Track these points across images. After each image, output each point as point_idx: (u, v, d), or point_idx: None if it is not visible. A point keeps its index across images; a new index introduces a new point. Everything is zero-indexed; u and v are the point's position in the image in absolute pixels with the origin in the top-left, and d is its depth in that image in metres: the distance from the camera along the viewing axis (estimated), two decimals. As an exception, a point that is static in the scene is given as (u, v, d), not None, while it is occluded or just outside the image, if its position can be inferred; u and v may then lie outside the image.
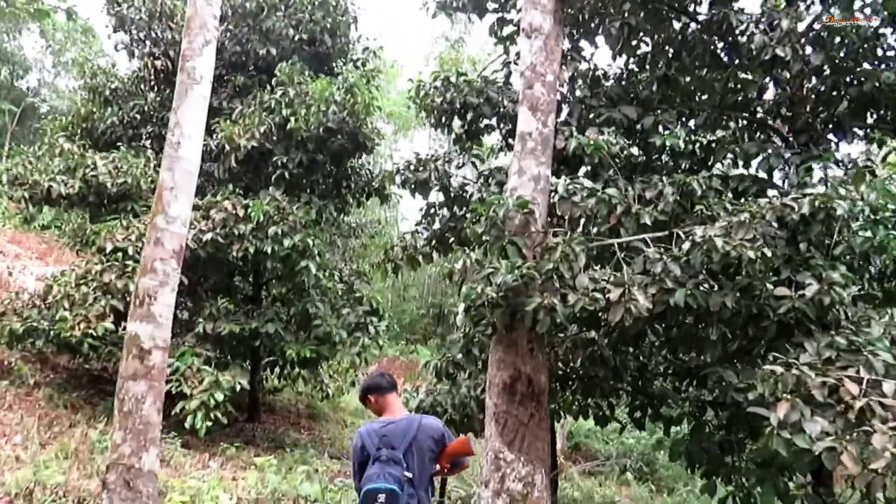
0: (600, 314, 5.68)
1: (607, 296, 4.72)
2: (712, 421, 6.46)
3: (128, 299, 7.77)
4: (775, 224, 4.97)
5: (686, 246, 4.97)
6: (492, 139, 7.34)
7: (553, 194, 5.70)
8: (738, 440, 6.13)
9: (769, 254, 4.76)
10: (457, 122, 6.85)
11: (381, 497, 3.12)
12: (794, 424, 4.11)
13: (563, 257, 4.92)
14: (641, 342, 6.23)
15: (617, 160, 5.88)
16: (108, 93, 10.87)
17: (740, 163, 6.46)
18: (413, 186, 6.24)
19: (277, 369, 10.73)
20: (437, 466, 3.36)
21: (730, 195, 5.78)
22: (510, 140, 7.10)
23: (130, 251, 8.10)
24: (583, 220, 5.65)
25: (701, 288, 4.92)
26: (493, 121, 6.85)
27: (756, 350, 5.77)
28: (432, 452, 3.33)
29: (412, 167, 6.18)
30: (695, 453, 6.35)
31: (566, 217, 5.49)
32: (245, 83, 9.93)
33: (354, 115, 8.62)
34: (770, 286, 5.00)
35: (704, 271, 5.03)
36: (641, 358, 6.84)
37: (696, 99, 6.97)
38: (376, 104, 8.98)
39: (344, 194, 10.11)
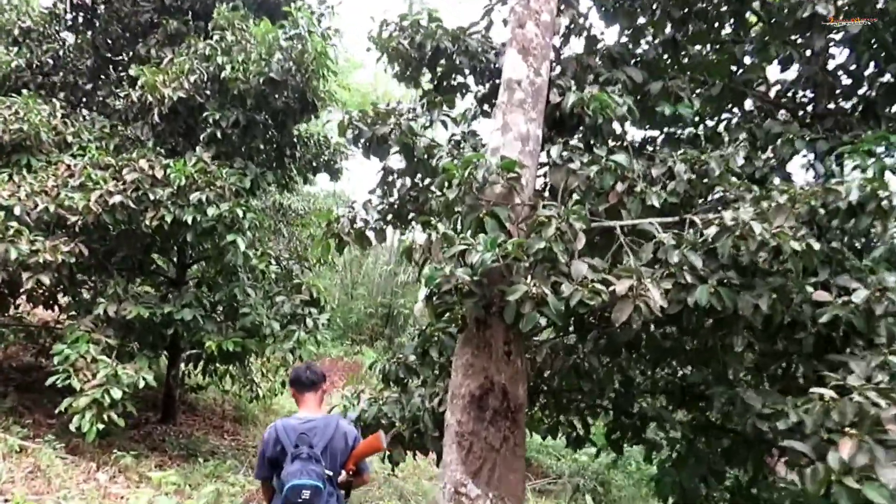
0: (599, 312, 4.68)
1: (612, 288, 3.65)
2: (703, 449, 5.50)
3: (10, 270, 6.37)
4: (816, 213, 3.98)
5: (712, 231, 3.93)
6: (465, 104, 6.21)
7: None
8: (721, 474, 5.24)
9: (816, 246, 3.76)
10: (425, 77, 5.71)
11: (306, 493, 3.21)
12: (862, 469, 3.09)
13: (557, 235, 3.82)
14: (634, 351, 5.17)
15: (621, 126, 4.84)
16: (17, 32, 9.34)
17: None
18: (368, 144, 5.04)
19: (201, 364, 9.33)
20: (343, 472, 3.46)
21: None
22: (488, 106, 5.99)
23: (17, 211, 6.66)
24: (573, 198, 4.56)
25: (727, 285, 3.90)
26: (470, 79, 5.72)
27: (776, 368, 4.83)
28: (343, 456, 3.48)
29: (369, 119, 4.98)
30: (688, 487, 5.38)
31: (558, 190, 4.41)
32: (178, 29, 8.57)
33: (303, 66, 7.36)
34: (810, 288, 4.02)
35: (731, 266, 4.02)
36: (629, 371, 5.80)
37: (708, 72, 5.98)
38: (328, 61, 7.72)
39: (287, 165, 8.81)
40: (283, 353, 7.39)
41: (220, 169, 7.13)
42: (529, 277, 3.77)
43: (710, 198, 4.79)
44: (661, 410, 5.44)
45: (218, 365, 9.99)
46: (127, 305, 7.11)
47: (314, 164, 9.18)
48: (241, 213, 6.86)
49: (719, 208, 4.41)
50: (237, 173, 7.35)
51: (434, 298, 3.87)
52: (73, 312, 7.40)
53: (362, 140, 5.05)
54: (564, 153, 4.41)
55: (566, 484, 14.22)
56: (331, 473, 3.36)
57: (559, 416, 5.93)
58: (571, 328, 5.31)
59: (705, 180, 4.58)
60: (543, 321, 3.72)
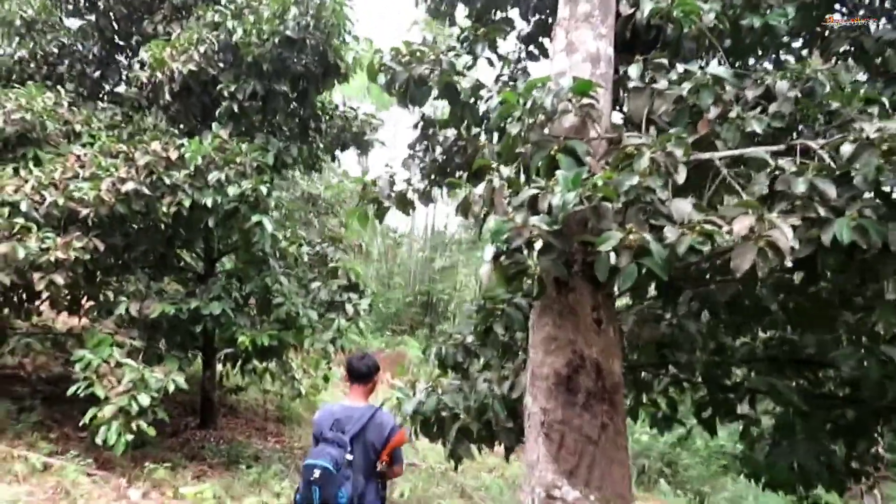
0: (698, 266, 3.90)
1: (727, 230, 2.85)
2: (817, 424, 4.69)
3: (20, 270, 5.81)
4: None
5: (847, 150, 3.10)
6: (508, 46, 5.42)
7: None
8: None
9: None
10: (461, 11, 4.95)
11: (316, 473, 3.36)
12: None
13: (653, 168, 3.04)
14: (736, 313, 4.37)
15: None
16: (19, 23, 8.80)
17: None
18: (404, 89, 4.29)
19: (238, 363, 8.76)
20: (378, 462, 3.56)
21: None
22: (535, 46, 5.21)
23: (24, 206, 6.09)
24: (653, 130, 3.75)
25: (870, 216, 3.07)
26: (514, 13, 4.94)
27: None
28: (376, 447, 3.54)
29: (403, 59, 4.23)
30: (810, 468, 4.57)
31: (638, 120, 3.63)
32: (185, 1, 7.91)
33: (321, 21, 6.64)
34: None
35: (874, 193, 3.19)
36: (721, 337, 5.00)
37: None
38: (347, 19, 6.98)
39: (312, 140, 8.11)
40: (322, 344, 6.73)
41: (239, 145, 6.45)
42: (624, 223, 2.99)
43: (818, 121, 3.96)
44: (771, 380, 4.61)
45: (255, 363, 9.48)
46: (150, 303, 6.52)
47: (341, 138, 8.47)
48: (264, 191, 6.19)
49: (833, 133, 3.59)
50: (258, 148, 6.68)
51: (502, 258, 3.12)
52: (95, 314, 6.83)
53: (397, 84, 4.31)
54: (647, 73, 3.61)
55: (632, 465, 13.34)
56: (351, 458, 3.46)
57: (640, 394, 5.18)
58: (655, 290, 4.54)
59: (814, 99, 3.73)
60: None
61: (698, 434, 13.04)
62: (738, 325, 4.69)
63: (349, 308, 7.08)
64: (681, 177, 3.12)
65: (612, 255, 2.91)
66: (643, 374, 5.02)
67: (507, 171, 3.33)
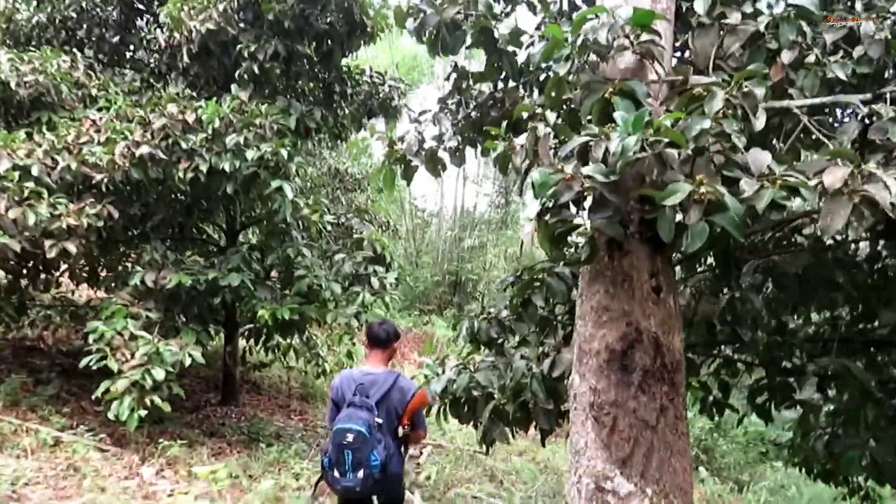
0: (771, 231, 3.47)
1: (818, 182, 2.41)
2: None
3: (29, 235, 5.55)
4: None
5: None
6: None
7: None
8: None
9: None
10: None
11: (350, 437, 3.46)
12: None
13: (728, 111, 2.60)
14: (809, 287, 3.91)
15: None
16: (37, -14, 8.54)
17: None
18: (435, 35, 3.88)
19: (262, 339, 8.49)
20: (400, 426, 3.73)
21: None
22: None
23: (35, 171, 5.82)
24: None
25: None
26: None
27: None
28: (398, 411, 3.75)
29: (434, 0, 3.81)
30: (885, 461, 4.14)
31: (704, 62, 3.17)
32: (204, -41, 7.55)
33: (346, -28, 6.23)
34: None
35: None
36: (781, 314, 4.54)
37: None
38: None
39: (338, 105, 7.73)
40: (346, 318, 6.39)
41: (259, 107, 6.09)
42: (692, 175, 2.56)
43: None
44: (845, 362, 4.15)
45: (279, 339, 9.21)
46: (167, 273, 6.23)
47: (368, 104, 8.08)
48: (285, 155, 5.83)
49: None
50: (279, 111, 6.31)
51: (548, 216, 2.72)
52: (112, 285, 6.58)
53: (427, 30, 3.89)
54: (716, 6, 3.15)
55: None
56: (380, 422, 3.57)
57: (688, 377, 4.75)
58: (714, 260, 4.10)
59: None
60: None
61: (731, 419, 12.56)
62: (806, 302, 4.24)
63: (374, 282, 6.72)
64: (760, 121, 2.69)
65: (677, 212, 2.50)
66: (691, 354, 4.60)
67: (552, 117, 2.91)
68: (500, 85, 4.18)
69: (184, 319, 6.39)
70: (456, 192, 25.84)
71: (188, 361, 5.85)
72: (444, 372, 4.16)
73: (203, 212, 7.61)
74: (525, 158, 2.92)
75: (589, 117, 2.88)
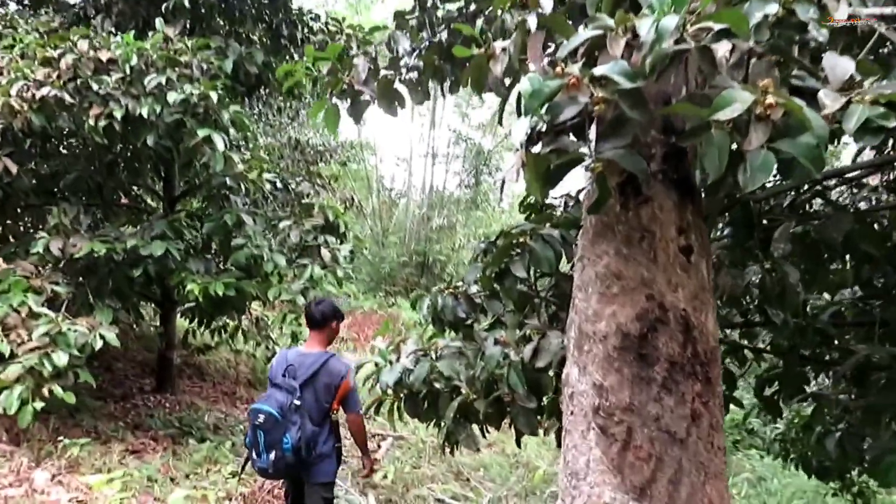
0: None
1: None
2: None
3: None
4: None
5: None
6: None
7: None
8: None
9: None
10: None
11: (261, 417, 3.42)
12: None
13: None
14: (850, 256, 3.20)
15: None
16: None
17: None
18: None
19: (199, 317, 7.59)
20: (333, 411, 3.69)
21: None
22: None
23: None
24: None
25: None
26: None
27: None
28: (328, 395, 3.65)
29: None
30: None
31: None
32: None
33: None
34: None
35: None
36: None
37: None
38: None
39: (286, 52, 6.78)
40: (291, 295, 5.53)
41: (186, 42, 5.15)
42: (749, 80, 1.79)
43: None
44: (877, 349, 3.44)
45: (226, 319, 8.33)
46: (77, 240, 5.29)
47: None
48: (215, 98, 4.91)
49: None
50: (209, 47, 5.37)
51: (540, 144, 1.92)
52: (13, 252, 5.61)
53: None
54: None
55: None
56: (298, 403, 3.50)
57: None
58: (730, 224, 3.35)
59: None
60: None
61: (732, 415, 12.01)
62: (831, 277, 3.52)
63: (325, 253, 5.85)
64: (842, 9, 1.92)
65: (731, 136, 1.72)
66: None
67: (548, 4, 2.09)
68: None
69: (96, 294, 5.44)
70: (425, 171, 25.05)
71: (99, 344, 4.95)
72: (398, 359, 3.36)
73: (130, 172, 6.64)
74: (509, 64, 2.10)
75: (597, 6, 2.07)
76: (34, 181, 5.64)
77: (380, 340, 3.55)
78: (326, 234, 6.00)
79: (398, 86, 3.33)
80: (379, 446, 7.35)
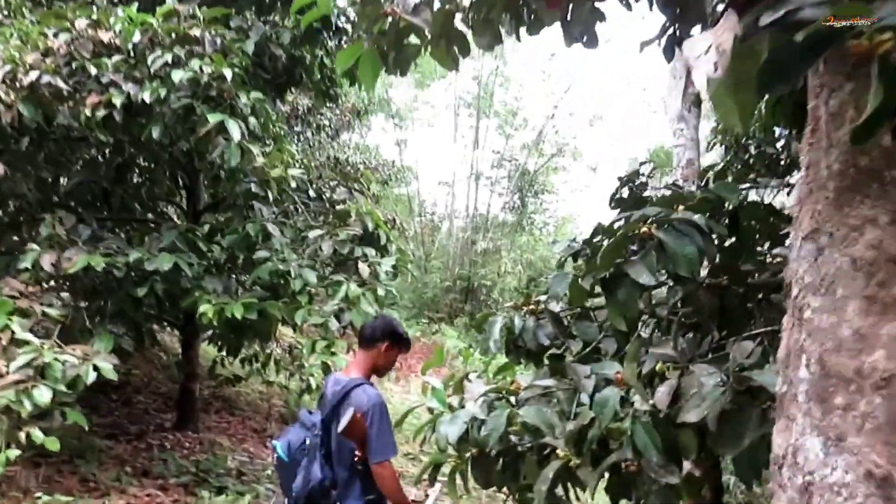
0: None
1: None
2: None
3: None
4: None
5: None
6: None
7: None
8: None
9: None
10: None
11: (274, 455, 2.97)
12: None
13: None
14: None
15: None
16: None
17: None
18: None
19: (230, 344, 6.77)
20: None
21: None
22: None
23: None
24: None
25: None
26: None
27: None
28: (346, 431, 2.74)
29: None
30: None
31: None
32: None
33: None
34: None
35: None
36: None
37: None
38: None
39: (322, 42, 5.94)
40: (323, 318, 4.62)
41: (199, 11, 4.36)
42: None
43: None
44: None
45: (256, 347, 7.52)
46: (73, 254, 4.50)
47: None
48: (229, 76, 4.09)
49: None
50: (225, 16, 4.56)
51: (764, 15, 0.95)
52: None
53: None
54: None
55: None
56: (309, 442, 2.89)
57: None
58: None
59: None
60: None
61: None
62: None
63: (363, 268, 4.96)
64: None
65: None
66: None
67: None
68: None
69: (95, 317, 4.64)
70: (468, 193, 24.27)
71: (92, 377, 4.11)
72: (462, 404, 2.41)
73: (147, 181, 5.88)
74: None
75: None
76: (30, 188, 4.90)
77: (431, 376, 2.61)
78: (364, 245, 5.11)
79: (459, 24, 2.44)
80: (426, 495, 6.35)
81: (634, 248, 2.20)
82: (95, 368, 4.16)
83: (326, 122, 16.12)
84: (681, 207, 2.13)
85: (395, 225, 14.34)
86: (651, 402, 1.92)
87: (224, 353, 7.23)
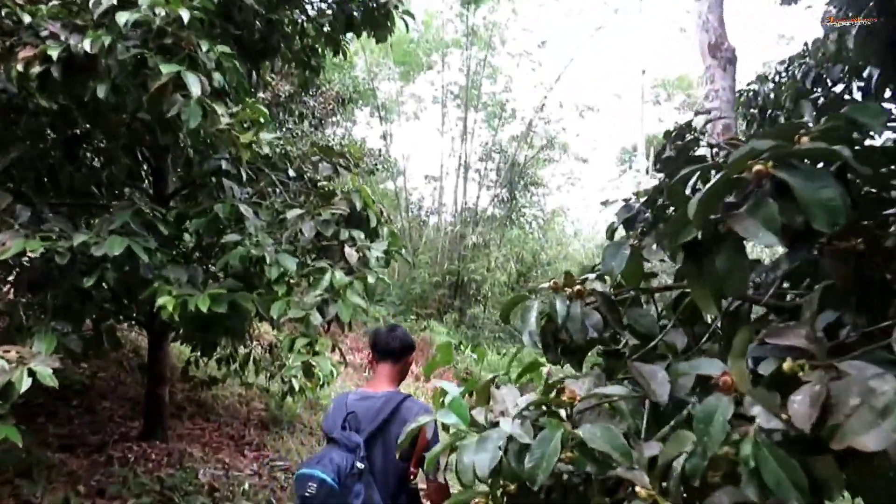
0: None
1: None
2: None
3: None
4: None
5: None
6: None
7: None
8: None
9: None
10: None
11: (312, 487, 2.49)
12: None
13: None
14: None
15: None
16: None
17: None
18: None
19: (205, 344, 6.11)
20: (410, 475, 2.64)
21: None
22: None
23: None
24: None
25: None
26: None
27: None
28: (405, 448, 2.20)
29: None
30: None
31: None
32: None
33: None
34: None
35: None
36: None
37: None
38: None
39: (303, 23, 5.24)
40: (303, 311, 3.95)
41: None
42: None
43: None
44: None
45: (232, 346, 6.90)
46: (7, 237, 3.80)
47: (346, 10, 5.65)
48: (185, 18, 3.41)
49: None
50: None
51: None
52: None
53: None
54: None
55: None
56: (361, 467, 2.53)
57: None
58: None
59: None
60: None
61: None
62: None
63: (351, 254, 4.29)
64: None
65: None
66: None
67: None
68: None
69: (32, 314, 3.94)
70: (456, 187, 23.70)
71: (27, 383, 3.42)
72: (489, 422, 1.77)
73: (102, 155, 5.18)
74: None
75: None
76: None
77: (447, 383, 1.97)
78: (352, 228, 4.45)
79: None
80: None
81: (732, 200, 1.58)
82: (31, 373, 3.48)
83: (309, 111, 15.44)
84: (805, 139, 1.50)
85: (382, 216, 13.68)
86: (785, 416, 1.29)
87: (199, 354, 6.57)
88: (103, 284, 4.02)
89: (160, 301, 3.86)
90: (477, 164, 24.54)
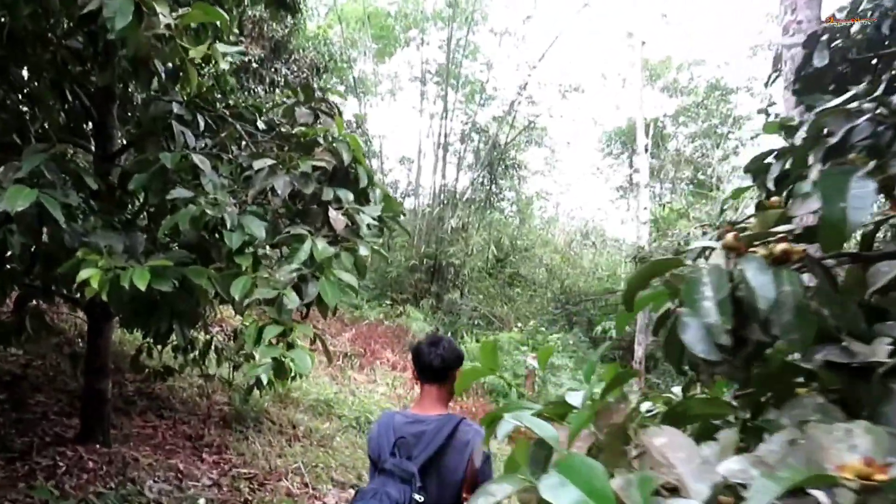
0: None
1: None
2: None
3: None
4: None
5: None
6: None
7: None
8: None
9: None
10: None
11: None
12: None
13: None
14: None
15: None
16: None
17: None
18: None
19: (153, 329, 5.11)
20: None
21: None
22: None
23: None
24: None
25: None
26: None
27: None
28: (458, 476, 2.37)
29: None
30: None
31: None
32: None
33: None
34: None
35: None
36: None
37: None
38: None
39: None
40: (275, 291, 3.02)
41: None
42: None
43: None
44: None
45: (195, 332, 6.00)
46: None
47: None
48: None
49: None
50: None
51: None
52: None
53: None
54: None
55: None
56: (420, 500, 2.26)
57: None
58: None
59: None
60: None
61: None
62: None
63: (337, 218, 3.35)
64: None
65: None
66: None
67: None
68: None
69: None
70: (435, 169, 22.80)
71: None
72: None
73: (24, 97, 4.18)
74: None
75: None
76: None
77: (545, 423, 1.08)
78: (337, 186, 3.50)
79: None
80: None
81: None
82: None
83: (281, 79, 14.33)
84: None
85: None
86: None
87: (151, 340, 5.59)
88: (8, 253, 3.04)
89: (83, 274, 2.90)
90: (457, 144, 23.71)
